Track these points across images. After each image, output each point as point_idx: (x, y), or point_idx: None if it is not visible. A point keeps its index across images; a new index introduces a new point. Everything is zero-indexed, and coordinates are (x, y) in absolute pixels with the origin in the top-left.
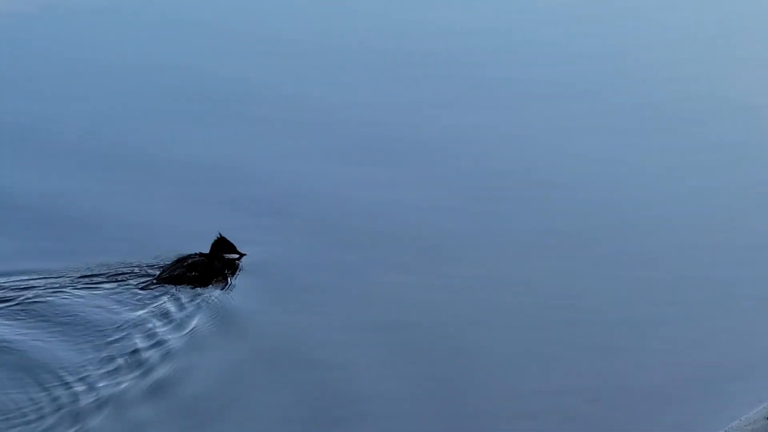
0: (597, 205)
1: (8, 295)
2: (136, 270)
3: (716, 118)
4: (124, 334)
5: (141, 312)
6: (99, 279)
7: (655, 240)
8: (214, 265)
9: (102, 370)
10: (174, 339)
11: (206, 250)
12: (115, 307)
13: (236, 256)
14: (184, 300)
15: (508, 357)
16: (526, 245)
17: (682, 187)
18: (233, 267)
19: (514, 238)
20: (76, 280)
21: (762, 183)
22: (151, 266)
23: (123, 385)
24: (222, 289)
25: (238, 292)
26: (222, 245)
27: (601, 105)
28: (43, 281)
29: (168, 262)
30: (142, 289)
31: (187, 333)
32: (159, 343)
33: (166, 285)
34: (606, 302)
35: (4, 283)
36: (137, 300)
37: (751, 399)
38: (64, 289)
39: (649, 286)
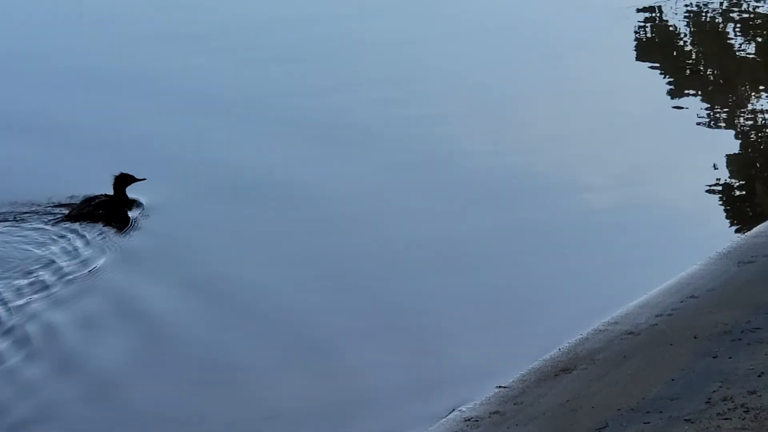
0: None
1: None
2: (46, 209)
3: None
4: (36, 267)
5: (52, 247)
6: (8, 217)
7: None
8: (118, 204)
9: (11, 302)
10: (79, 271)
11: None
12: (26, 243)
13: (140, 182)
14: (91, 236)
15: None
16: None
17: None
18: (135, 206)
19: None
20: None
21: None
22: (59, 206)
23: (32, 312)
24: (126, 226)
25: (140, 228)
26: (123, 180)
27: None
28: None
29: (76, 203)
30: (52, 225)
31: (93, 267)
32: (66, 275)
33: (75, 222)
34: None
35: None
36: (47, 236)
37: None
38: None
39: None
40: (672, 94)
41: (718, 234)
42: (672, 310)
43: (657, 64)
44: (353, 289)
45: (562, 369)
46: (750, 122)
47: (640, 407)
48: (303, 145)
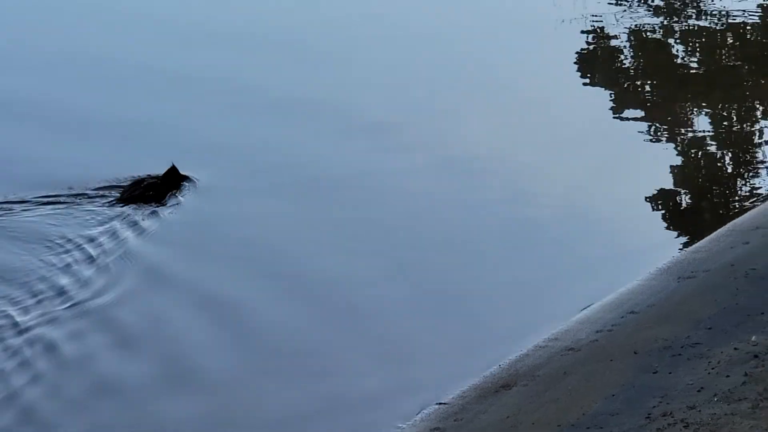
0: None
1: None
2: (97, 192)
3: None
4: (93, 248)
5: (109, 227)
6: (63, 200)
7: None
8: (166, 187)
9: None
10: (134, 251)
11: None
12: (83, 224)
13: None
14: (145, 214)
15: None
16: None
17: None
18: (180, 189)
19: None
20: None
21: None
22: (109, 188)
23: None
24: (175, 206)
25: (187, 208)
26: (173, 174)
27: None
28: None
29: (126, 185)
30: (109, 207)
31: (142, 246)
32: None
33: (128, 204)
34: None
35: None
36: (103, 218)
37: None
38: (38, 208)
39: None
40: (613, 108)
41: (658, 249)
42: (612, 325)
43: (598, 78)
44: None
45: (502, 385)
46: (691, 137)
47: (580, 423)
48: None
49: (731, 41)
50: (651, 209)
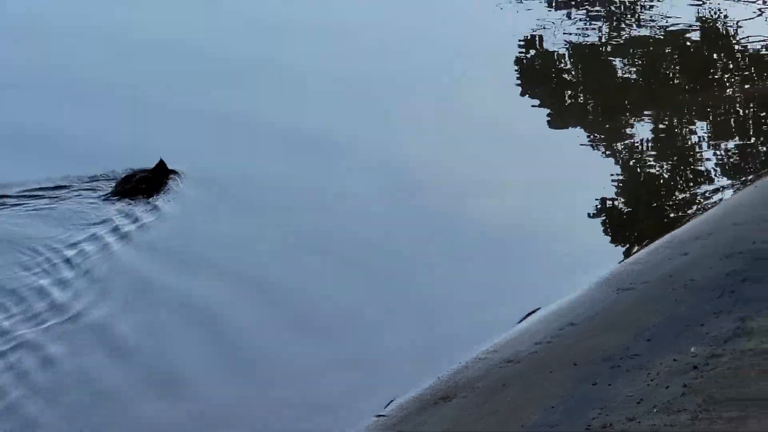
0: None
1: None
2: (88, 185)
3: None
4: (85, 241)
5: (109, 217)
6: (61, 192)
7: None
8: (158, 180)
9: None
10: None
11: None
12: (87, 214)
13: (174, 173)
14: (140, 206)
15: None
16: None
17: None
18: (169, 182)
19: None
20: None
21: None
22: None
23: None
24: (166, 199)
25: (179, 200)
26: (163, 166)
27: None
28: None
29: (119, 179)
30: (104, 200)
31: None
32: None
33: (122, 197)
34: None
35: None
36: (100, 210)
37: None
38: (30, 201)
39: None
40: (552, 119)
41: (598, 260)
42: (552, 337)
43: (537, 90)
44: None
45: (441, 397)
46: (630, 148)
47: None
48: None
49: (670, 51)
50: (590, 220)
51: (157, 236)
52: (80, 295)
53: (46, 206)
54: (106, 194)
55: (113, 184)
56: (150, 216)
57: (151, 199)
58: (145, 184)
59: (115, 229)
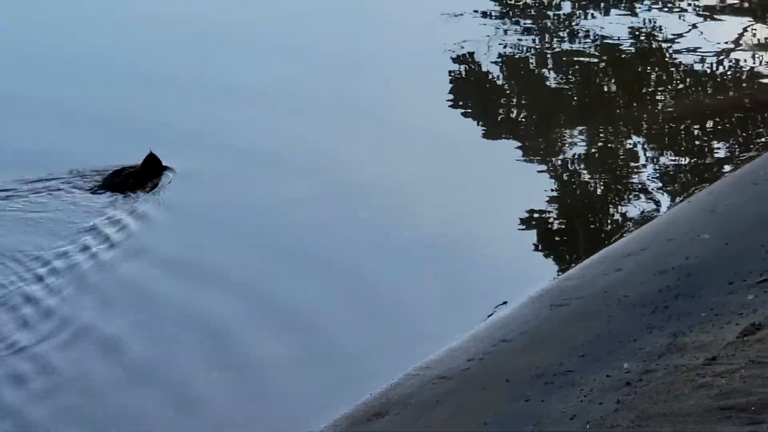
0: None
1: None
2: (76, 179)
3: None
4: (75, 234)
5: (90, 215)
6: (49, 186)
7: None
8: (147, 176)
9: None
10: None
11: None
12: (71, 206)
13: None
14: (126, 200)
15: None
16: None
17: None
18: (160, 177)
19: None
20: (29, 187)
21: None
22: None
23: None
24: (154, 194)
25: (165, 196)
26: (153, 160)
27: None
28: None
29: (107, 173)
30: (91, 193)
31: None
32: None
33: (109, 191)
34: None
35: None
36: (88, 202)
37: None
38: (21, 194)
39: None
40: (485, 133)
41: (530, 276)
42: (484, 354)
43: (470, 103)
44: None
45: (374, 414)
46: (564, 163)
47: None
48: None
49: (605, 65)
50: (523, 236)
51: (142, 232)
52: (66, 293)
53: (30, 201)
54: (93, 188)
55: (101, 179)
56: (135, 211)
57: (139, 194)
58: (133, 179)
59: (102, 223)
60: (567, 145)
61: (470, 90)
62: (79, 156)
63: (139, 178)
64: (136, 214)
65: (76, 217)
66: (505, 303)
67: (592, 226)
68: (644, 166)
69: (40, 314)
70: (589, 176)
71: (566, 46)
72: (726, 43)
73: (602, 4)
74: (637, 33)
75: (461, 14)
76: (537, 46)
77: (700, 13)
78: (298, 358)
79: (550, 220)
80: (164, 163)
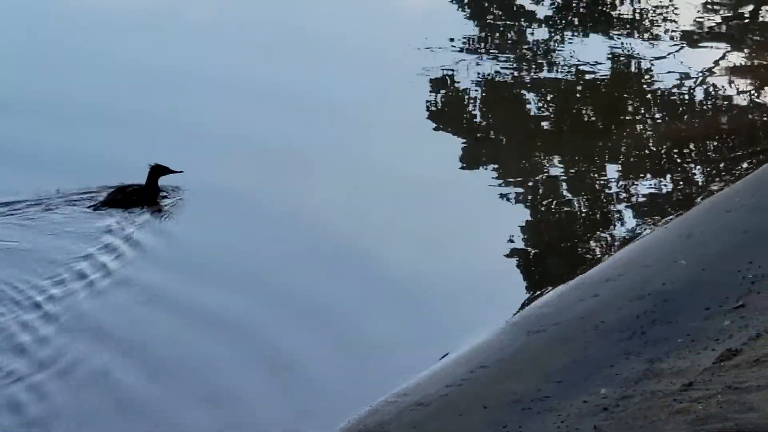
0: None
1: None
2: (80, 196)
3: None
4: (76, 252)
5: (93, 228)
6: (53, 203)
7: None
8: (151, 192)
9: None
10: (116, 256)
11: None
12: (70, 225)
13: (176, 173)
14: (127, 218)
15: None
16: None
17: None
18: (165, 193)
19: None
20: (31, 204)
21: None
22: (96, 193)
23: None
24: (158, 211)
25: (170, 215)
26: (158, 171)
27: None
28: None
29: (111, 190)
30: (94, 209)
31: (126, 252)
32: (104, 260)
33: (111, 207)
34: None
35: None
36: (88, 219)
37: None
38: (22, 211)
39: None
40: (463, 160)
41: (508, 302)
42: (462, 380)
43: (448, 130)
44: None
45: None
46: (541, 189)
47: None
48: None
49: (582, 92)
50: (500, 262)
51: (147, 246)
52: (74, 305)
53: (36, 215)
54: (97, 204)
55: (104, 195)
56: (140, 226)
57: (143, 210)
58: (137, 195)
59: (106, 239)
60: (544, 172)
61: (447, 119)
62: (86, 170)
63: (143, 194)
64: (137, 232)
65: (75, 236)
66: (481, 330)
67: (569, 252)
68: (621, 192)
69: (36, 340)
70: (566, 202)
71: (543, 73)
72: (703, 70)
73: (579, 32)
74: (614, 60)
75: (437, 46)
76: (514, 74)
77: (678, 40)
78: (276, 385)
79: (527, 246)
80: (173, 170)
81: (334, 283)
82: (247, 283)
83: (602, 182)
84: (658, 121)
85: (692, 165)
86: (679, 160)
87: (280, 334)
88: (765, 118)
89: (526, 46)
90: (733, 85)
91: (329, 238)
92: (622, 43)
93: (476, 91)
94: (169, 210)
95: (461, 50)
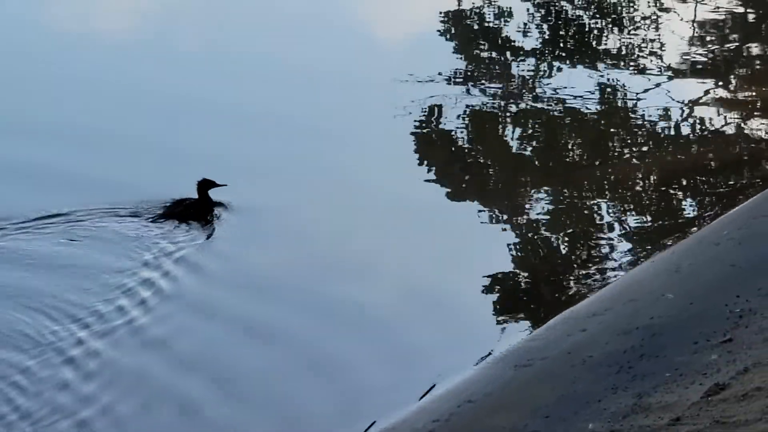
0: None
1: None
2: (141, 209)
3: None
4: (135, 263)
5: (154, 241)
6: (115, 214)
7: None
8: (205, 205)
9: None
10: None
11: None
12: (131, 236)
13: (221, 187)
14: (184, 230)
15: None
16: None
17: None
18: (219, 206)
19: None
20: (94, 215)
21: None
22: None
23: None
24: (212, 224)
25: (225, 225)
26: (205, 185)
27: None
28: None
29: (168, 203)
30: (152, 222)
31: (186, 258)
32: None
33: (168, 220)
34: None
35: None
36: (148, 231)
37: None
38: (85, 221)
39: None
40: (450, 193)
41: (495, 337)
42: (450, 414)
43: (435, 163)
44: None
45: None
46: (530, 224)
47: None
48: None
49: (569, 124)
50: (488, 297)
51: (206, 258)
52: (137, 313)
53: (94, 227)
54: (154, 217)
55: (162, 209)
56: (198, 239)
57: (198, 224)
58: (193, 209)
59: (166, 250)
60: (531, 206)
61: (434, 151)
62: (141, 187)
63: (199, 208)
64: (195, 244)
65: (135, 245)
66: (468, 363)
67: (556, 286)
68: (608, 225)
69: (99, 351)
70: (554, 236)
71: (530, 105)
72: (690, 102)
73: (566, 64)
74: (601, 92)
75: (424, 77)
76: (501, 107)
77: (664, 72)
78: (255, 420)
79: (515, 280)
80: (219, 183)
81: (317, 312)
82: (284, 292)
83: (589, 215)
84: (646, 153)
85: (680, 198)
86: (666, 194)
87: (268, 365)
88: (752, 151)
89: (512, 78)
90: (720, 117)
91: (318, 264)
92: (609, 76)
93: (463, 123)
94: (219, 223)
95: (448, 82)
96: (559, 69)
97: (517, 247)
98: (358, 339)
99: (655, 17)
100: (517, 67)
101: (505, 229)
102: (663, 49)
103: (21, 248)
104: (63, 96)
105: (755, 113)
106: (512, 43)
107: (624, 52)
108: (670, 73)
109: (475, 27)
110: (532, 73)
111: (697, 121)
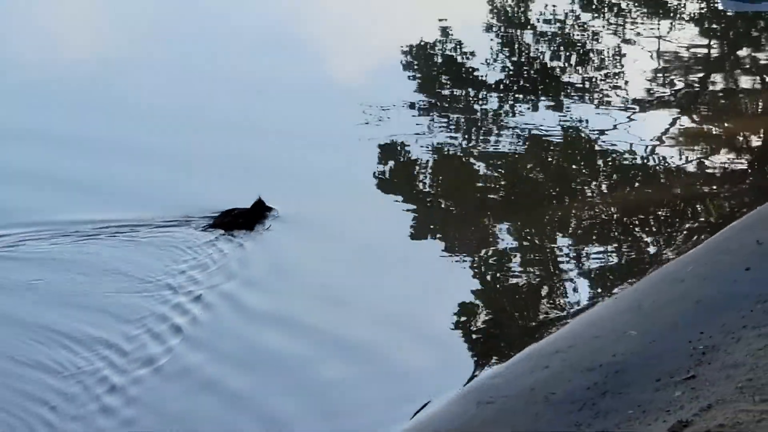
0: None
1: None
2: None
3: None
4: (189, 268)
5: (204, 250)
6: (167, 225)
7: None
8: (255, 216)
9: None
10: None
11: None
12: (187, 243)
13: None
14: (236, 239)
15: None
16: None
17: None
18: (266, 218)
19: None
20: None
21: None
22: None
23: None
24: (262, 233)
25: (275, 234)
26: (261, 204)
27: None
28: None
29: (217, 214)
30: (203, 230)
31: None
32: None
33: (220, 229)
34: None
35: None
36: (199, 241)
37: None
38: (140, 230)
39: None
40: (412, 229)
41: (457, 374)
42: None
43: (397, 201)
44: None
45: None
46: (492, 259)
47: None
48: None
49: (532, 160)
50: (450, 333)
51: (257, 266)
52: (189, 319)
53: (146, 236)
54: (205, 226)
55: (212, 219)
56: (248, 248)
57: (248, 233)
58: (243, 219)
59: (217, 258)
60: (493, 242)
61: (396, 186)
62: (190, 198)
63: (248, 218)
64: (244, 252)
65: (187, 252)
66: (429, 402)
67: (519, 323)
68: (571, 262)
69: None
70: (516, 272)
71: (494, 140)
72: (654, 138)
73: (531, 99)
74: (564, 127)
75: (384, 113)
76: (464, 141)
77: (628, 107)
78: None
79: (477, 316)
80: (269, 205)
81: (282, 351)
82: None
83: (552, 252)
84: (610, 189)
85: (644, 234)
86: (629, 230)
87: (244, 397)
88: (716, 187)
89: (475, 113)
90: (684, 153)
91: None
92: (572, 111)
93: (426, 158)
94: (267, 233)
95: (412, 116)
96: (524, 103)
97: (479, 282)
98: (320, 378)
99: (619, 52)
100: (480, 101)
101: (466, 265)
102: (627, 84)
103: (84, 252)
104: (115, 113)
105: (720, 148)
106: (475, 77)
107: (588, 87)
108: (634, 107)
109: (438, 60)
110: (495, 108)
111: (661, 156)
